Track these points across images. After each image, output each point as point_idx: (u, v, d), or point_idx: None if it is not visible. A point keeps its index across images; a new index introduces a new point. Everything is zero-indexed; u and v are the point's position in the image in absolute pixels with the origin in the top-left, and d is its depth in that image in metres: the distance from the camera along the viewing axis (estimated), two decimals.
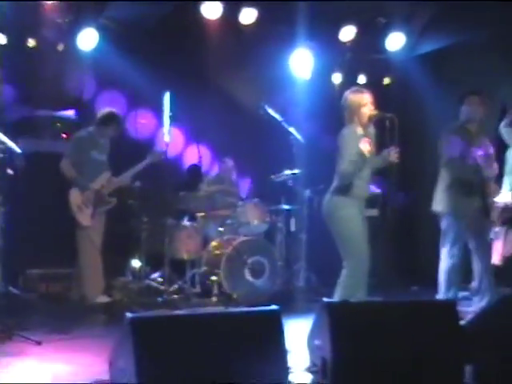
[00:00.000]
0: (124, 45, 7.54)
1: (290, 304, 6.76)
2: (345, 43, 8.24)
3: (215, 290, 6.83)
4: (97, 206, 6.47)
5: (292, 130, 7.14)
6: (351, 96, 5.29)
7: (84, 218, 6.39)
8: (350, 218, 5.15)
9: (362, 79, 8.73)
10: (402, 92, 8.69)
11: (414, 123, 8.32)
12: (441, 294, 5.83)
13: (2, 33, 7.01)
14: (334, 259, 5.35)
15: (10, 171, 5.24)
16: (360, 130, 5.21)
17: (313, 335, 3.86)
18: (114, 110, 6.64)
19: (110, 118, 6.55)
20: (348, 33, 8.13)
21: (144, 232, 7.06)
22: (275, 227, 7.64)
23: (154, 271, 7.27)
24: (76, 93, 7.88)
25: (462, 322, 3.99)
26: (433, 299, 5.44)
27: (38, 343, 4.84)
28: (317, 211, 6.02)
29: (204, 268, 7.09)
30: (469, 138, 5.96)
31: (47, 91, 7.43)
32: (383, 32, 8.34)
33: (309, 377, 3.79)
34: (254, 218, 7.31)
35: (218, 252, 7.04)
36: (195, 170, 8.05)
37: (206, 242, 7.41)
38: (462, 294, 6.37)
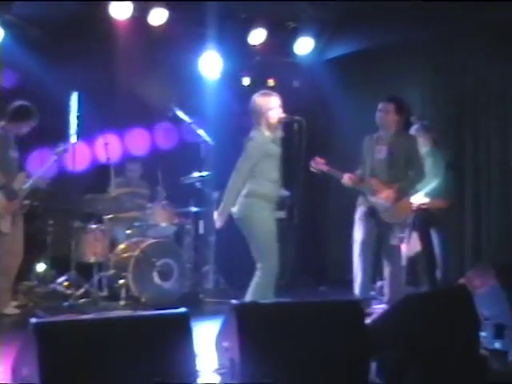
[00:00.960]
0: (31, 43, 7.34)
1: (198, 306, 6.76)
2: (254, 46, 8.29)
3: (123, 294, 6.74)
4: (17, 211, 6.23)
5: (201, 132, 7.13)
6: (259, 99, 5.32)
7: (4, 225, 6.09)
8: (264, 219, 5.19)
9: (271, 82, 8.81)
10: (311, 96, 8.82)
11: (321, 127, 8.48)
12: (354, 293, 5.97)
13: None
14: (243, 261, 5.38)
15: None
16: (268, 133, 5.26)
17: (221, 337, 3.86)
18: (26, 103, 6.26)
19: (24, 112, 6.21)
20: (257, 36, 8.18)
21: (49, 235, 6.90)
22: (184, 229, 7.61)
23: (60, 275, 7.10)
24: None
25: (367, 321, 4.09)
26: (339, 299, 5.54)
27: None
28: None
29: (111, 271, 6.98)
30: (376, 146, 6.13)
31: None
32: (292, 36, 8.45)
33: (217, 378, 3.79)
34: (162, 220, 7.26)
35: (125, 255, 6.96)
36: (102, 171, 7.92)
37: (113, 244, 7.30)
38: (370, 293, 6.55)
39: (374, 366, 3.90)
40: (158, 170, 7.37)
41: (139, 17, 7.50)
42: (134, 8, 7.36)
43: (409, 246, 6.52)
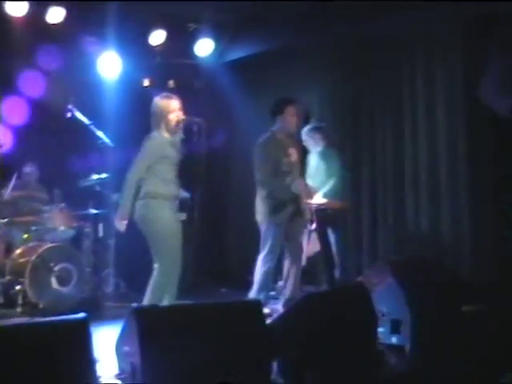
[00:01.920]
0: None
1: (98, 311, 6.65)
2: (154, 47, 8.23)
3: (20, 300, 6.53)
4: None
5: (100, 133, 7.02)
6: (159, 102, 5.35)
7: None
8: (163, 218, 5.18)
9: (171, 84, 8.76)
10: (211, 97, 8.84)
11: (221, 128, 8.50)
12: (252, 294, 6.00)
13: None
14: (143, 264, 5.33)
15: None
16: (167, 136, 5.27)
17: (122, 341, 3.82)
18: None
19: None
20: (157, 37, 8.13)
21: None
22: (83, 233, 7.45)
23: None
24: None
25: (267, 321, 4.14)
26: (238, 300, 5.58)
27: None
28: None
29: (8, 277, 6.75)
30: (282, 150, 6.19)
31: None
32: (193, 37, 8.44)
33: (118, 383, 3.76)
34: (60, 223, 7.10)
35: (22, 260, 6.75)
36: None
37: (9, 249, 7.06)
38: (270, 293, 6.62)
39: (275, 365, 3.96)
40: (55, 173, 7.20)
41: (36, 15, 7.30)
42: (31, 5, 7.16)
43: (308, 245, 6.63)
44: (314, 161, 6.83)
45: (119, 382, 3.75)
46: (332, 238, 6.75)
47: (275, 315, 4.54)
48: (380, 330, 4.59)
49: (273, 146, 6.17)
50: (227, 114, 8.88)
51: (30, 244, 6.97)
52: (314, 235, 6.74)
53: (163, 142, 5.25)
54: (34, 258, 6.58)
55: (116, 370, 3.84)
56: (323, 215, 6.61)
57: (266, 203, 6.11)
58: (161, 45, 8.21)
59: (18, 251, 6.94)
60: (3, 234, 6.99)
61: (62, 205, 7.18)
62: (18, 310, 6.48)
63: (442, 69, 7.02)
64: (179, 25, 8.30)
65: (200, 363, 3.64)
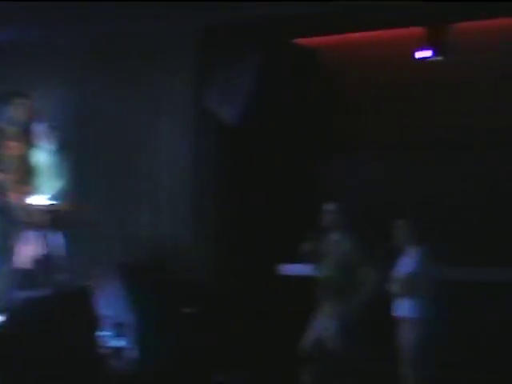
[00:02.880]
0: None
1: None
2: None
3: None
4: None
5: None
6: None
7: None
8: None
9: None
10: None
11: None
12: None
13: None
14: None
15: None
16: None
17: None
18: None
19: None
20: None
21: None
22: None
23: None
24: None
25: None
26: None
27: None
28: None
29: None
30: (6, 142, 5.94)
31: None
32: None
33: None
34: None
35: None
36: None
37: None
38: None
39: None
40: None
41: None
42: None
43: (30, 248, 6.43)
44: (43, 160, 6.65)
45: None
46: (56, 240, 6.61)
47: None
48: (104, 333, 4.60)
49: None
50: None
51: None
52: (39, 237, 6.55)
53: None
54: None
55: None
56: (49, 217, 6.47)
57: None
58: None
59: None
60: None
61: None
62: None
63: (172, 79, 7.25)
64: None
65: None
